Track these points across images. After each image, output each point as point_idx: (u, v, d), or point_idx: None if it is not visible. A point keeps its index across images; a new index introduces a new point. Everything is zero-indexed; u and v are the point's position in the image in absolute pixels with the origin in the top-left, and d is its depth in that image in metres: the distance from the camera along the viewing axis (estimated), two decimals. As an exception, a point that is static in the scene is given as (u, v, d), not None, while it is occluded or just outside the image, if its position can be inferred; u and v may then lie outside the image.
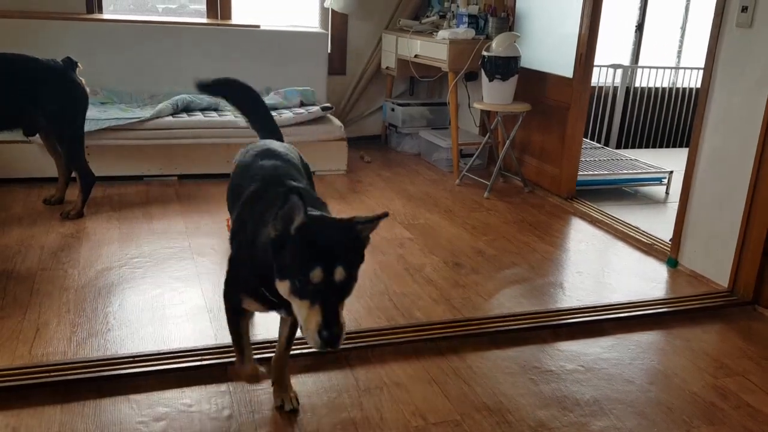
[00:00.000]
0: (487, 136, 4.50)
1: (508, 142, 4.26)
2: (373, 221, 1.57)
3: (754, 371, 2.36)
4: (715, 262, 3.01)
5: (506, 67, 4.05)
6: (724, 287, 2.94)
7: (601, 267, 3.29)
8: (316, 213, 1.60)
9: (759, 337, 2.61)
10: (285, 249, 1.51)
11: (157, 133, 4.04)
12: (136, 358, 2.19)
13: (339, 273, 1.47)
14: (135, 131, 3.98)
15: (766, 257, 2.79)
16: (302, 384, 2.13)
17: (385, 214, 1.58)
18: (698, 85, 5.68)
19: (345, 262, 1.49)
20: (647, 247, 3.42)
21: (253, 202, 1.79)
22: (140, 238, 3.22)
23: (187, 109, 4.29)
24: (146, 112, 4.08)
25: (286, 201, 1.47)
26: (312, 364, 2.24)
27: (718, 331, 2.66)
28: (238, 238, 1.81)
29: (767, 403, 2.18)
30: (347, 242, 1.54)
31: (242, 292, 1.79)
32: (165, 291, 2.69)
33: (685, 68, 6.29)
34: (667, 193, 4.47)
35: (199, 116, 4.22)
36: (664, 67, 6.18)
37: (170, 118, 4.11)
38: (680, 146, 6.16)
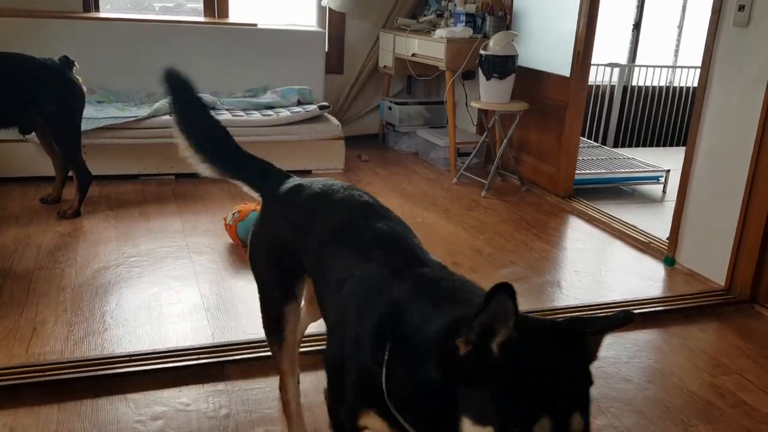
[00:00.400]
0: (484, 135, 4.49)
1: (505, 140, 4.26)
2: (613, 327, 1.05)
3: (751, 369, 2.36)
4: (712, 260, 3.01)
5: (503, 65, 4.05)
6: (721, 286, 2.94)
7: (598, 266, 3.29)
8: (531, 319, 1.05)
9: (756, 336, 2.61)
10: (482, 375, 0.99)
11: (154, 131, 4.03)
12: (133, 357, 2.18)
13: (577, 423, 0.98)
14: (132, 130, 3.97)
15: (763, 255, 2.79)
16: (300, 383, 2.13)
17: (630, 317, 1.08)
18: (695, 84, 5.69)
19: (581, 402, 1.00)
20: (644, 245, 3.42)
21: (385, 287, 1.26)
22: (137, 237, 3.21)
23: (184, 107, 4.27)
24: (143, 111, 4.08)
25: (488, 302, 0.96)
26: (309, 362, 2.24)
27: (715, 329, 2.67)
28: (355, 332, 1.28)
29: (764, 401, 2.18)
30: (578, 367, 1.02)
31: (363, 407, 1.27)
32: (162, 290, 2.69)
33: (682, 67, 6.29)
34: (664, 191, 4.47)
35: (196, 115, 4.20)
36: (662, 66, 6.18)
37: (167, 117, 4.10)
38: (677, 145, 6.16)
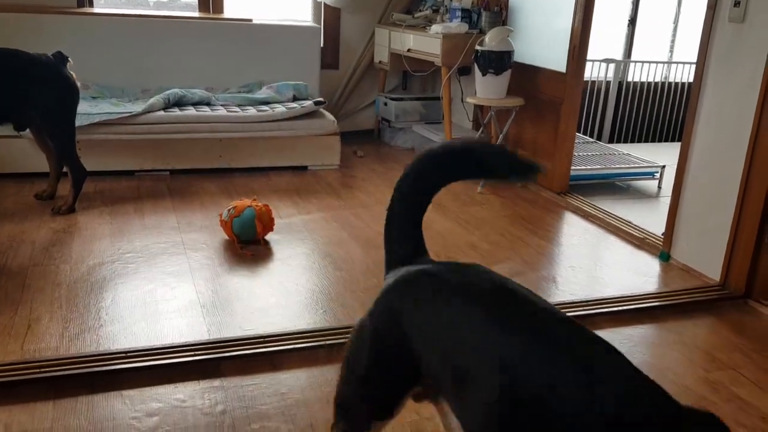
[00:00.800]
0: (480, 131, 4.49)
1: (501, 136, 4.26)
2: None
3: (745, 365, 2.37)
4: (707, 256, 3.02)
5: (499, 61, 4.05)
6: (716, 281, 2.95)
7: (593, 261, 3.30)
8: None
9: (750, 331, 2.62)
10: None
11: (149, 127, 4.02)
12: (128, 354, 2.18)
13: None
14: (126, 126, 3.96)
15: (758, 251, 2.80)
16: (296, 379, 2.13)
17: None
18: (691, 80, 5.69)
19: None
20: (639, 241, 3.43)
21: None
22: (132, 234, 3.20)
23: (179, 103, 4.27)
24: (138, 107, 4.07)
25: None
26: (306, 358, 2.24)
27: (709, 324, 2.67)
28: None
29: (758, 396, 2.19)
30: None
31: None
32: (157, 286, 2.68)
33: (677, 63, 6.30)
34: (659, 187, 4.48)
35: (191, 111, 4.20)
36: (657, 62, 6.19)
37: (162, 113, 4.09)
38: (673, 141, 6.17)
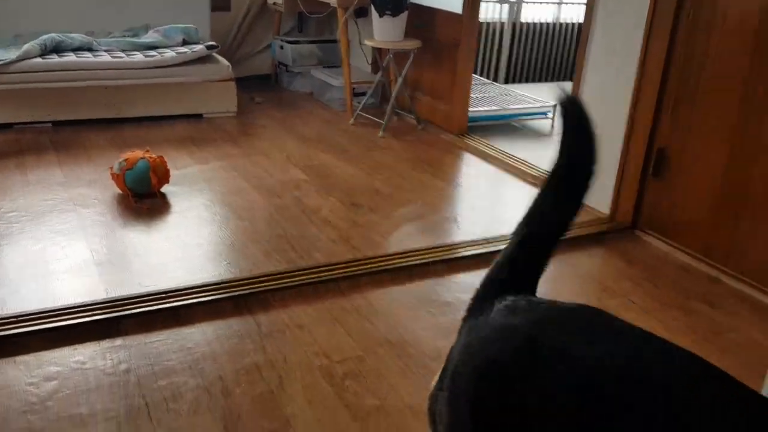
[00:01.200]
0: (379, 74, 4.46)
1: (400, 79, 4.25)
2: None
3: (634, 291, 2.53)
4: (597, 191, 3.14)
5: (396, 2, 4.00)
6: (606, 214, 3.11)
7: (492, 201, 3.40)
8: None
9: (637, 260, 2.79)
10: None
11: (25, 76, 3.73)
12: (19, 318, 2.06)
13: None
14: (0, 75, 3.66)
15: (643, 185, 2.97)
16: (202, 333, 2.09)
17: None
18: (581, 21, 5.85)
19: None
20: (535, 179, 3.55)
21: None
22: (14, 191, 3.00)
23: (57, 49, 3.97)
24: (11, 54, 3.75)
25: None
26: (212, 311, 2.20)
27: (601, 255, 2.83)
28: None
29: (645, 319, 2.35)
30: None
31: None
32: (47, 245, 2.54)
33: (568, 3, 6.44)
34: (552, 126, 4.63)
35: (71, 57, 3.92)
36: (549, 2, 6.31)
37: (39, 60, 3.80)
38: (565, 80, 6.37)
